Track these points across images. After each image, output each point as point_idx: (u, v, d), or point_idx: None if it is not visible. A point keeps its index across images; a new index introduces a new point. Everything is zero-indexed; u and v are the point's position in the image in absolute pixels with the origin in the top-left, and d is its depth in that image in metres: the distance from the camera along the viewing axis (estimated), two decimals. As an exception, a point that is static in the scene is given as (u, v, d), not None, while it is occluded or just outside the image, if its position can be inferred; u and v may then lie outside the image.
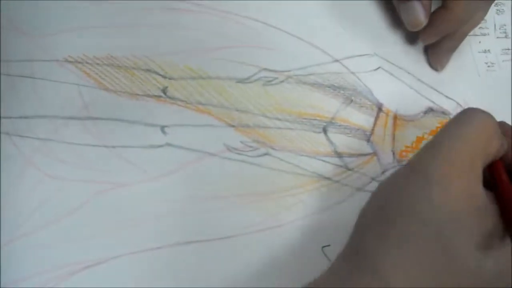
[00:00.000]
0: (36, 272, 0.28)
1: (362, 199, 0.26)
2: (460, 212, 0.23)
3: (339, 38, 0.35)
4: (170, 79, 0.33)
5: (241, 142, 0.32)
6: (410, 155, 0.32)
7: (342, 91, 0.34)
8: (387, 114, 0.34)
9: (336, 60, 0.35)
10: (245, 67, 0.34)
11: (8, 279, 0.28)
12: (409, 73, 0.35)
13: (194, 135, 0.32)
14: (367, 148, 0.33)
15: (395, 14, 0.36)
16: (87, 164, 0.31)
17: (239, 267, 0.30)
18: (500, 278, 0.24)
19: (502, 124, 0.27)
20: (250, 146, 0.32)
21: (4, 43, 0.32)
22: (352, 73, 0.35)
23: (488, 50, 0.37)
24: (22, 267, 0.28)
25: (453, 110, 0.35)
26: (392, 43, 0.36)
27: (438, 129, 0.31)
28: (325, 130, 0.33)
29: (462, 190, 0.24)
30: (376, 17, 0.36)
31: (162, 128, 0.32)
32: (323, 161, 0.32)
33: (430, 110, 0.34)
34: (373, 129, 0.34)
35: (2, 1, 0.33)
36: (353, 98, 0.34)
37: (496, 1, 0.37)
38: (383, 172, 0.33)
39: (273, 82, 0.34)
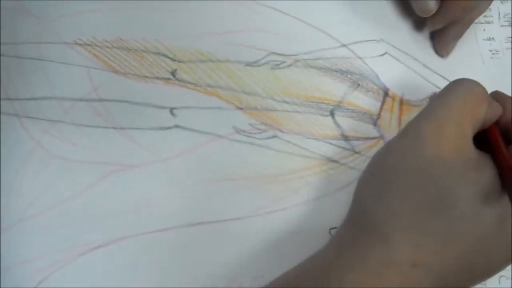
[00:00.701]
0: (44, 253, 0.28)
1: (368, 181, 0.27)
2: (453, 164, 0.25)
3: (346, 23, 0.36)
4: (179, 62, 0.33)
5: (250, 124, 0.32)
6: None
7: (349, 76, 0.34)
8: (393, 99, 0.34)
9: (343, 45, 0.35)
10: (254, 50, 0.34)
11: (16, 260, 0.28)
12: (415, 58, 0.36)
13: (203, 117, 0.32)
14: (373, 132, 0.33)
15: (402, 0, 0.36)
16: (96, 145, 0.31)
17: (247, 249, 0.30)
18: (498, 228, 0.24)
19: (496, 93, 0.29)
20: (259, 129, 0.32)
21: (14, 25, 0.32)
22: (359, 58, 0.35)
23: (493, 38, 0.37)
24: (30, 248, 0.28)
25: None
26: (398, 29, 0.36)
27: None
28: (332, 114, 0.33)
29: (453, 145, 0.25)
30: (383, 3, 0.37)
31: (171, 110, 0.32)
32: (330, 144, 0.33)
33: (435, 95, 0.35)
34: (379, 113, 0.34)
35: (12, -16, 0.33)
36: (360, 82, 0.34)
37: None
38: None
39: (281, 66, 0.34)
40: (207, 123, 0.32)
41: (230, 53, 0.34)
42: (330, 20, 0.35)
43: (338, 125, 0.33)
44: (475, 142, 0.27)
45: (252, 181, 0.31)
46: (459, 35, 0.36)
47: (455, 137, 0.25)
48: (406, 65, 0.35)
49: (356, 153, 0.33)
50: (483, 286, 0.31)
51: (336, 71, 0.34)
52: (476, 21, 0.36)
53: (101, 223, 0.29)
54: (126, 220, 0.30)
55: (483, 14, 0.36)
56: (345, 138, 0.33)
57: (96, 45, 0.33)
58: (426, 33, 0.36)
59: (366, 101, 0.34)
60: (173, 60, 0.33)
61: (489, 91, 0.29)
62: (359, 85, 0.34)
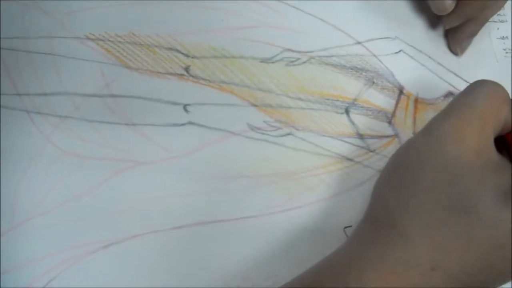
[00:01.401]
0: (53, 252, 0.28)
1: (384, 180, 0.26)
2: (474, 164, 0.24)
3: (361, 21, 0.35)
4: (192, 58, 0.33)
5: (264, 121, 0.32)
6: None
7: (364, 73, 0.34)
8: (408, 97, 0.34)
9: (358, 42, 0.35)
10: (268, 47, 0.34)
11: (27, 257, 0.28)
12: (429, 57, 0.36)
13: (217, 114, 0.32)
14: (388, 130, 0.33)
15: (417, -2, 0.36)
16: (108, 141, 0.30)
17: (261, 247, 0.30)
18: None
19: None
20: (273, 126, 0.32)
21: (24, 20, 0.32)
22: (374, 55, 0.35)
23: (506, 37, 0.37)
24: (40, 245, 0.28)
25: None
26: (413, 27, 0.36)
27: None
28: (347, 111, 0.33)
29: (474, 146, 0.25)
30: (398, 1, 0.37)
31: (185, 107, 0.32)
32: (345, 142, 0.32)
33: (450, 94, 0.35)
34: (394, 112, 0.34)
35: (23, -23, 0.33)
36: (375, 80, 0.34)
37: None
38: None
39: (295, 63, 0.34)
40: (221, 120, 0.32)
41: (244, 49, 0.33)
42: (345, 18, 0.35)
43: (353, 123, 0.33)
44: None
45: (267, 179, 0.31)
46: (473, 33, 0.35)
47: (477, 137, 0.25)
48: (420, 63, 0.35)
49: (371, 151, 0.32)
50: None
51: (351, 69, 0.34)
52: (490, 19, 0.36)
53: (113, 221, 0.29)
54: (138, 218, 0.29)
55: (497, 13, 0.36)
56: (360, 136, 0.33)
57: (108, 40, 0.32)
58: (440, 31, 0.36)
59: (381, 99, 0.34)
60: (187, 56, 0.33)
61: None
62: (374, 82, 0.34)
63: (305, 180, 0.31)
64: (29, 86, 0.31)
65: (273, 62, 0.33)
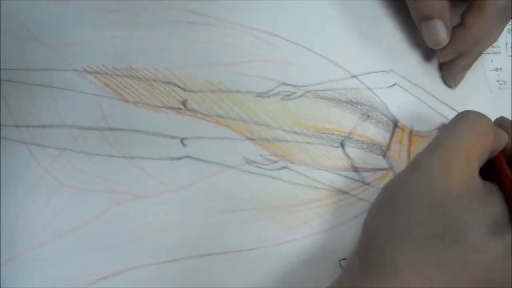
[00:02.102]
0: (51, 283, 0.28)
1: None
2: (463, 196, 0.25)
3: (356, 54, 0.36)
4: (190, 91, 0.33)
5: (260, 155, 0.32)
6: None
7: (359, 107, 0.34)
8: (402, 130, 0.34)
9: (353, 76, 0.35)
10: (264, 81, 0.34)
11: (25, 289, 0.28)
12: (424, 89, 0.36)
13: (214, 147, 0.32)
14: (383, 163, 0.34)
15: (412, 30, 0.36)
16: (105, 174, 0.31)
17: (256, 280, 0.30)
18: (507, 259, 0.24)
19: (501, 119, 0.30)
20: (269, 160, 0.32)
21: (23, 52, 0.32)
22: (369, 89, 0.35)
23: (500, 68, 0.38)
24: (37, 278, 0.28)
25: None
26: (408, 60, 0.36)
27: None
28: (342, 145, 0.33)
29: (462, 178, 0.25)
30: (393, 34, 0.37)
31: (182, 140, 0.32)
32: (341, 175, 0.33)
33: (444, 127, 0.35)
34: (389, 145, 0.34)
35: (22, 12, 0.33)
36: (369, 113, 0.34)
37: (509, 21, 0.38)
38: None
39: (291, 97, 0.34)
40: (217, 153, 0.32)
41: (240, 84, 0.34)
42: (340, 51, 0.35)
43: (348, 157, 0.33)
44: (484, 171, 0.27)
45: (263, 212, 0.31)
46: (468, 66, 0.36)
47: (463, 169, 0.25)
48: (415, 96, 0.36)
49: (366, 184, 0.33)
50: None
51: (346, 102, 0.34)
52: (484, 52, 0.36)
53: (110, 253, 0.29)
54: (135, 251, 0.29)
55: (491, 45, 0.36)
56: (355, 169, 0.33)
57: (106, 73, 0.33)
58: (435, 64, 0.37)
59: (376, 132, 0.34)
60: (184, 89, 0.33)
61: (496, 120, 0.29)
62: (369, 116, 0.34)
63: (301, 214, 0.31)
64: (27, 118, 0.31)
65: (269, 96, 0.34)
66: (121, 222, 0.30)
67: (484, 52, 0.36)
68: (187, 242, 0.30)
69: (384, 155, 0.34)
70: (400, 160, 0.34)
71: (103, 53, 0.33)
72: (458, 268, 0.24)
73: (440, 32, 0.33)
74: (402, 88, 0.36)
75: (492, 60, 0.38)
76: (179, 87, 0.33)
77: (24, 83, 0.32)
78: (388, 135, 0.34)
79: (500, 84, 0.37)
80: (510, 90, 0.37)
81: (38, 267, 0.28)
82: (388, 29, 0.37)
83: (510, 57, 0.38)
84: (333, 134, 0.34)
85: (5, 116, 0.31)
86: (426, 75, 0.36)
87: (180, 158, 0.32)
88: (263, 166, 0.32)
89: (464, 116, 0.28)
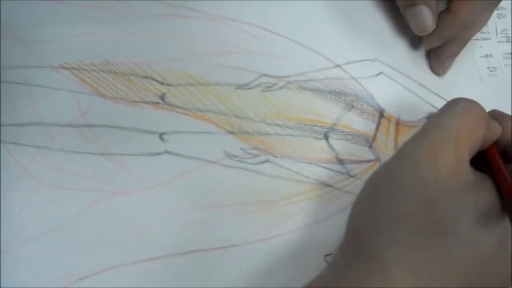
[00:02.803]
0: (31, 284, 0.28)
1: (365, 207, 0.26)
2: (451, 187, 0.24)
3: (339, 43, 0.35)
4: (168, 85, 0.32)
5: (241, 149, 0.32)
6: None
7: (343, 97, 0.34)
8: (389, 120, 0.34)
9: (337, 66, 0.34)
10: (245, 73, 0.33)
11: (4, 291, 0.27)
12: (410, 78, 0.35)
13: (193, 142, 0.31)
14: (369, 155, 0.33)
15: (397, 18, 0.36)
16: (84, 172, 0.30)
17: (240, 277, 0.29)
18: (498, 251, 0.24)
19: (494, 111, 0.29)
20: (250, 153, 0.32)
21: (0, 50, 0.32)
22: (353, 78, 0.34)
23: (490, 55, 0.37)
24: (17, 279, 0.28)
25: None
26: (393, 48, 0.36)
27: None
28: (326, 137, 0.33)
29: (450, 168, 0.24)
30: (377, 22, 0.36)
31: (161, 136, 0.31)
32: (325, 168, 0.32)
33: (432, 116, 0.34)
34: (375, 135, 0.33)
35: (-2, 8, 0.33)
36: (354, 104, 0.34)
37: (497, 6, 0.37)
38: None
39: (272, 88, 0.33)
40: (197, 148, 0.31)
41: (220, 76, 0.33)
42: (323, 40, 0.35)
43: (332, 148, 0.32)
44: (474, 162, 0.26)
45: (245, 208, 0.30)
46: (456, 53, 0.35)
47: (451, 160, 0.24)
48: (401, 84, 0.35)
49: (352, 176, 0.32)
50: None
51: (330, 93, 0.34)
52: (473, 38, 0.35)
53: (90, 252, 0.29)
54: (116, 249, 0.29)
55: (480, 31, 0.35)
56: (340, 161, 0.32)
57: (83, 69, 0.32)
58: (422, 51, 0.36)
59: (361, 123, 0.33)
60: (162, 83, 0.32)
61: (488, 108, 0.28)
62: (353, 106, 0.33)
63: (284, 208, 0.31)
64: (5, 117, 0.31)
65: (249, 88, 0.33)
66: (101, 221, 0.29)
67: (473, 38, 0.35)
68: (168, 239, 0.29)
69: (370, 146, 0.33)
70: (387, 151, 0.33)
71: (80, 49, 0.32)
72: (447, 262, 0.23)
73: (425, 18, 0.32)
74: (388, 77, 0.35)
75: (481, 46, 0.37)
76: (157, 81, 0.32)
77: (1, 81, 0.31)
78: (374, 125, 0.33)
79: (491, 71, 0.36)
80: (500, 77, 0.36)
81: (19, 268, 0.28)
82: (373, 17, 0.36)
83: (500, 43, 0.37)
84: (316, 125, 0.33)
85: (-18, 116, 0.30)
86: (413, 63, 0.35)
87: (159, 153, 0.31)
88: (244, 160, 0.31)
89: (454, 104, 0.27)
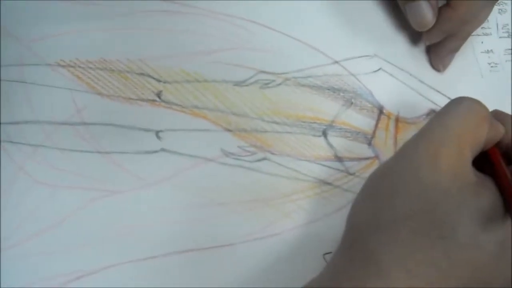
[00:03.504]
0: (26, 283, 0.27)
1: (364, 204, 0.25)
2: (452, 188, 0.23)
3: (338, 39, 0.35)
4: (164, 83, 0.32)
5: (239, 146, 0.31)
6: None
7: (342, 94, 0.33)
8: (388, 117, 0.33)
9: (336, 62, 0.34)
10: (242, 69, 0.33)
11: (-1, 290, 0.27)
12: (410, 74, 0.35)
13: (190, 140, 0.31)
14: (368, 152, 0.32)
15: (396, 14, 0.35)
16: (80, 170, 0.30)
17: (237, 276, 0.29)
18: (499, 255, 0.23)
19: (496, 112, 0.28)
20: (248, 151, 0.31)
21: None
22: (352, 75, 0.34)
23: (491, 50, 0.36)
24: (11, 278, 0.28)
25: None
26: (393, 44, 0.35)
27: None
28: (325, 134, 0.32)
29: (451, 169, 0.24)
30: (376, 17, 0.36)
31: (157, 133, 0.31)
32: (323, 165, 0.32)
33: (432, 112, 0.34)
34: (374, 132, 0.33)
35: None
36: (353, 100, 0.33)
37: (498, 1, 0.36)
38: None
39: (270, 85, 0.33)
40: (194, 146, 0.31)
41: (217, 73, 0.33)
42: (321, 36, 0.34)
43: (331, 146, 0.32)
44: (476, 163, 0.26)
45: (242, 206, 0.30)
46: (456, 49, 0.35)
47: (453, 161, 0.24)
48: (401, 81, 0.34)
49: (351, 174, 0.32)
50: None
51: (328, 89, 0.33)
52: (473, 33, 0.35)
53: (86, 251, 0.28)
54: (112, 248, 0.29)
55: (480, 26, 0.35)
56: (339, 159, 0.32)
57: (79, 66, 0.32)
58: (422, 47, 0.36)
59: (360, 120, 0.33)
60: (158, 81, 0.32)
61: (489, 104, 0.27)
62: (352, 103, 0.33)
63: (282, 206, 0.30)
64: (1, 115, 0.30)
65: (246, 85, 0.33)
66: (97, 219, 0.29)
67: (473, 33, 0.35)
68: (164, 238, 0.29)
69: (369, 144, 0.33)
70: (386, 148, 0.32)
71: (76, 46, 0.32)
72: (446, 265, 0.22)
73: (425, 13, 0.32)
74: (387, 73, 0.34)
75: (482, 42, 0.37)
76: (153, 78, 0.32)
77: (-3, 79, 0.31)
78: (373, 122, 0.33)
79: (492, 66, 0.36)
80: (502, 73, 0.36)
81: (14, 267, 0.28)
82: (372, 12, 0.36)
83: (501, 38, 0.37)
84: (314, 122, 0.33)
85: (-23, 114, 0.30)
86: (413, 59, 0.35)
87: (155, 151, 0.31)
88: (241, 158, 0.31)
89: (457, 104, 0.26)
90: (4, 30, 0.32)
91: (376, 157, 0.32)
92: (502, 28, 0.37)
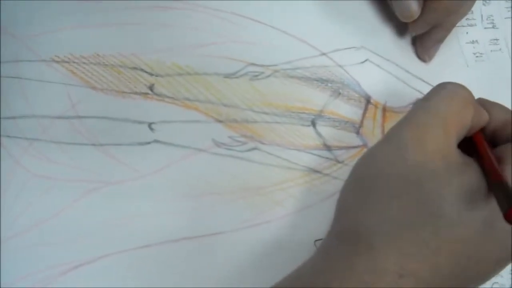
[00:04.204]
0: (25, 273, 0.28)
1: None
2: (437, 168, 0.24)
3: (325, 31, 0.35)
4: (157, 76, 0.33)
5: (229, 137, 0.32)
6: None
7: (329, 84, 0.34)
8: (376, 106, 0.34)
9: (323, 54, 0.35)
10: (232, 62, 0.34)
11: (-2, 281, 0.28)
12: (397, 65, 0.35)
13: (182, 131, 0.32)
14: (356, 141, 0.33)
15: (382, 5, 0.36)
16: (76, 163, 0.30)
17: (230, 264, 0.29)
18: (486, 231, 0.24)
19: (480, 99, 0.28)
20: (239, 141, 0.32)
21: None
22: (340, 66, 0.34)
23: (476, 41, 0.37)
24: (11, 269, 0.28)
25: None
26: (379, 35, 0.36)
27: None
28: (313, 123, 0.33)
29: (436, 150, 0.24)
30: (362, 9, 0.36)
31: (150, 125, 0.32)
32: (313, 154, 0.32)
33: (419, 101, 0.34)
34: (362, 121, 0.33)
35: (-13, 3, 0.33)
36: (341, 91, 0.34)
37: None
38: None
39: (259, 77, 0.34)
40: (186, 137, 0.32)
41: (207, 66, 0.33)
42: (309, 29, 0.35)
43: (320, 135, 0.33)
44: (461, 149, 0.26)
45: (234, 195, 0.31)
46: (441, 39, 0.35)
47: (439, 142, 0.25)
48: (388, 71, 0.35)
49: (340, 162, 0.32)
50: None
51: (316, 80, 0.34)
52: (458, 24, 0.36)
53: (83, 241, 0.29)
54: (108, 238, 0.29)
55: (465, 17, 0.35)
56: (328, 147, 0.32)
57: (74, 62, 0.32)
58: (407, 38, 0.36)
59: (348, 110, 0.34)
60: (151, 74, 0.33)
61: (475, 93, 0.28)
62: (340, 93, 0.34)
63: (273, 195, 0.31)
64: (-2, 110, 0.31)
65: (237, 77, 0.33)
66: (93, 211, 0.30)
67: (458, 24, 0.36)
68: (159, 227, 0.30)
69: (357, 132, 0.33)
70: (374, 136, 0.33)
71: (70, 42, 0.33)
72: (435, 243, 0.23)
73: (410, 4, 0.32)
74: (374, 64, 0.35)
75: (467, 33, 0.37)
76: (146, 72, 0.33)
77: (-7, 75, 0.32)
78: (361, 112, 0.34)
79: (477, 56, 0.37)
80: (487, 63, 0.36)
81: (13, 258, 0.28)
82: (358, 4, 0.36)
83: (486, 29, 0.38)
84: (303, 112, 0.33)
85: (-25, 110, 0.31)
86: (399, 50, 0.36)
87: (149, 143, 0.31)
88: (232, 147, 0.32)
89: (442, 88, 0.27)
90: (1, 27, 0.33)
91: (364, 145, 0.33)
92: (487, 19, 0.38)
